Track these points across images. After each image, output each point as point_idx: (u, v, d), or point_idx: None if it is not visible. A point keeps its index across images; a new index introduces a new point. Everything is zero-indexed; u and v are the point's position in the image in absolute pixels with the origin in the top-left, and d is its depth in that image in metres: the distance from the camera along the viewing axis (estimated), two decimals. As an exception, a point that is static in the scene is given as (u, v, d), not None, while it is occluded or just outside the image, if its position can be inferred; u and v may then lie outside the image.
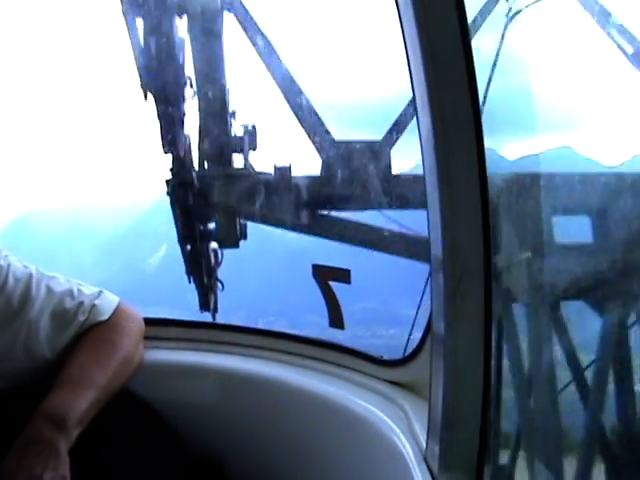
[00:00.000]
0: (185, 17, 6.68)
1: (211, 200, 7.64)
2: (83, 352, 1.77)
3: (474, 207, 1.33)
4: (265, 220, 8.16)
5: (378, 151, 7.46)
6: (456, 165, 1.31)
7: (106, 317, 1.83)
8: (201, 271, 8.39)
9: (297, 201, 7.63)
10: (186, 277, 8.69)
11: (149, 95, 6.09)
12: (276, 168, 7.59)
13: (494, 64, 6.54)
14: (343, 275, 2.03)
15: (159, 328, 1.98)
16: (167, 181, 7.22)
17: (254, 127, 7.63)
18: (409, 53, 1.43)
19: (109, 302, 1.86)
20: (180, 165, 7.06)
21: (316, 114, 7.59)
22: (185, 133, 6.97)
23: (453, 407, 1.40)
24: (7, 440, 1.53)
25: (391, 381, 1.88)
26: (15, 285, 1.76)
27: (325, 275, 2.01)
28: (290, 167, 7.64)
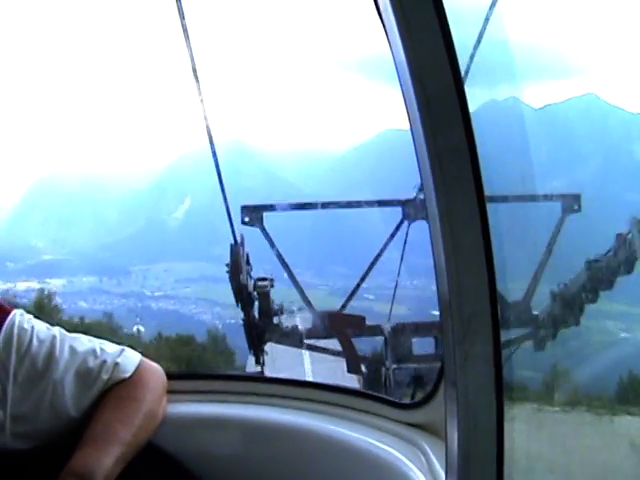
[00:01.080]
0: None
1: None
2: (107, 410, 1.80)
3: (478, 251, 1.35)
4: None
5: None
6: (458, 213, 1.33)
7: (129, 374, 1.86)
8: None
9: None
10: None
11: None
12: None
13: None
14: (358, 323, 2.00)
15: (181, 382, 2.00)
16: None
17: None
18: (405, 99, 1.44)
19: (131, 359, 1.89)
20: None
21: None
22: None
23: (468, 448, 1.42)
24: None
25: (411, 423, 1.89)
26: (39, 347, 1.79)
27: (341, 322, 1.99)
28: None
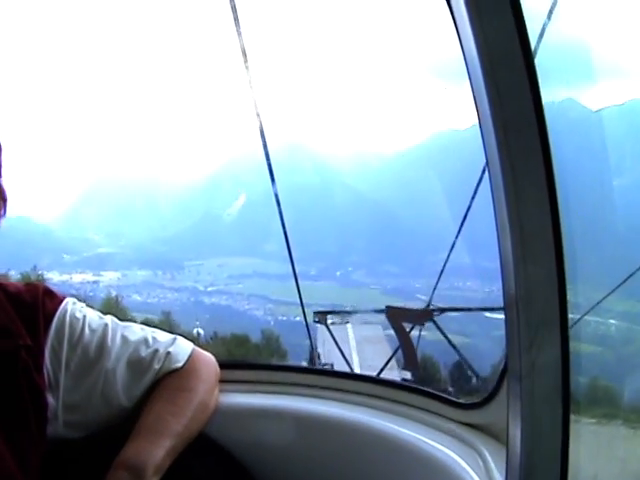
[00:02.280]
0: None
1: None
2: (159, 401, 1.79)
3: (548, 256, 1.29)
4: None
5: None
6: (528, 217, 1.27)
7: (181, 364, 1.85)
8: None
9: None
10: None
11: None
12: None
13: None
14: (418, 317, 1.93)
15: (234, 371, 1.97)
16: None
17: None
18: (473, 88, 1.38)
19: (183, 349, 1.88)
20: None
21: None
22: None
23: (532, 461, 1.36)
24: None
25: (469, 424, 1.82)
26: (91, 336, 1.80)
27: (399, 316, 1.93)
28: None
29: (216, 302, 63.59)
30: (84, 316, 1.84)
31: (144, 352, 1.86)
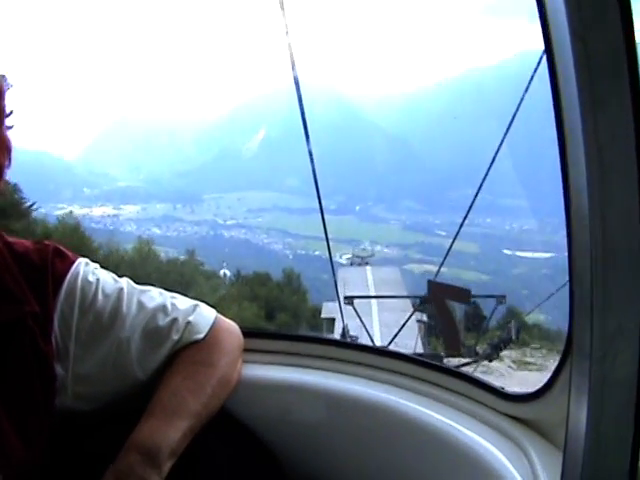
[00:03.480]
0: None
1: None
2: (177, 376, 1.64)
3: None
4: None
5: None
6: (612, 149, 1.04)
7: (202, 335, 1.67)
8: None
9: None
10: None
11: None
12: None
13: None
14: (463, 295, 1.76)
15: (258, 340, 1.80)
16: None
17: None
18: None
19: (205, 318, 1.70)
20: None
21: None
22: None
23: (597, 462, 1.20)
24: (97, 470, 1.44)
25: (515, 417, 1.65)
26: (105, 301, 1.62)
27: (442, 293, 1.76)
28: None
29: (235, 236, 63.97)
30: (97, 279, 1.66)
31: (162, 321, 1.68)
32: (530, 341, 23.42)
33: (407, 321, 10.13)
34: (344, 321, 10.47)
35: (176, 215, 66.99)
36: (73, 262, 1.59)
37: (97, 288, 1.60)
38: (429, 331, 17.82)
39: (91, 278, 1.60)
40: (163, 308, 1.63)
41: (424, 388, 1.68)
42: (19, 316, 1.50)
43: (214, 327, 1.65)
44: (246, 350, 1.71)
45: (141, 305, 1.62)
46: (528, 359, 21.14)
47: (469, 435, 1.56)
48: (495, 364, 18.62)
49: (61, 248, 1.62)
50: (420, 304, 10.85)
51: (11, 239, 1.54)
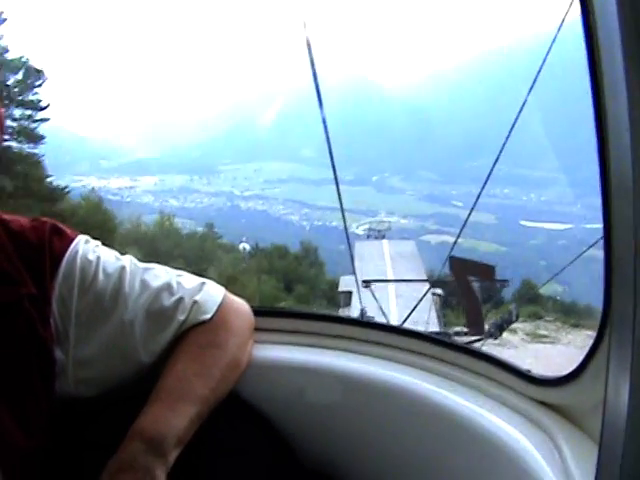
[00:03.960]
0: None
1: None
2: (183, 359, 1.55)
3: None
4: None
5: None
6: None
7: (209, 315, 1.58)
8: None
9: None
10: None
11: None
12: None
13: None
14: (486, 272, 1.65)
15: (269, 319, 1.71)
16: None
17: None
18: None
19: (213, 297, 1.60)
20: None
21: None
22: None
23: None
24: (100, 459, 1.37)
25: (542, 402, 1.55)
26: (106, 281, 1.53)
27: (465, 270, 1.65)
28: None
29: (252, 207, 64.09)
30: (98, 257, 1.57)
31: (167, 301, 1.60)
32: (544, 314, 23.46)
33: (420, 301, 10.18)
34: (362, 303, 10.50)
35: (193, 187, 67.25)
36: (72, 240, 1.50)
37: (98, 267, 1.51)
38: (444, 304, 17.90)
39: (91, 257, 1.51)
40: (168, 287, 1.54)
41: (445, 369, 1.59)
42: (15, 299, 1.42)
43: (222, 306, 1.56)
44: (257, 330, 1.62)
45: (145, 284, 1.53)
46: (542, 331, 21.28)
47: (493, 421, 1.46)
48: (508, 336, 18.73)
49: (59, 225, 1.53)
50: (435, 284, 10.89)
51: (7, 216, 1.45)
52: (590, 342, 1.31)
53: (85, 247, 1.54)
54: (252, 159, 72.68)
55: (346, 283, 20.49)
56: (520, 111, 7.51)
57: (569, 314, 25.42)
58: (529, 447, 1.37)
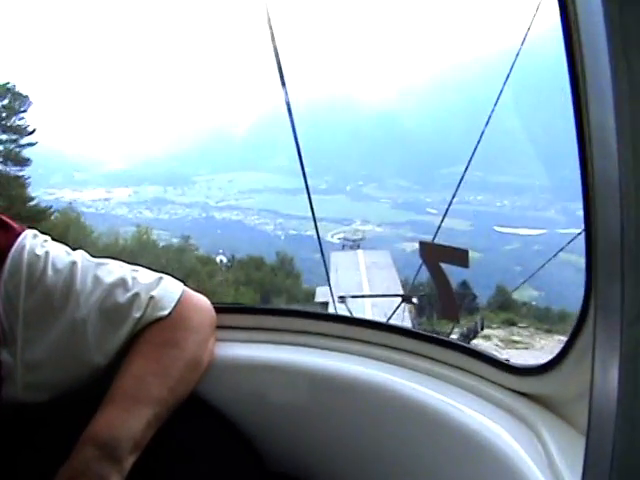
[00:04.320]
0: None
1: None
2: (139, 359, 1.45)
3: None
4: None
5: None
6: None
7: (167, 312, 1.48)
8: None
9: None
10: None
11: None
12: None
13: None
14: (459, 256, 1.56)
15: (232, 316, 1.61)
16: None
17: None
18: None
19: (171, 292, 1.50)
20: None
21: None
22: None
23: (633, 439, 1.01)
24: (50, 468, 1.27)
25: (523, 393, 1.46)
26: (56, 277, 1.43)
27: (436, 255, 1.56)
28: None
29: (227, 217, 64.12)
30: (47, 252, 1.46)
31: (121, 297, 1.49)
32: (518, 320, 24.09)
33: (393, 314, 10.49)
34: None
35: (167, 197, 67.24)
36: (18, 234, 1.40)
37: (46, 263, 1.40)
38: (419, 312, 18.17)
39: (39, 252, 1.40)
40: (123, 282, 1.43)
41: (419, 363, 1.50)
42: None
43: (181, 302, 1.45)
44: (218, 327, 1.53)
45: (97, 280, 1.43)
46: (515, 337, 21.81)
47: (472, 415, 1.37)
48: (483, 343, 19.31)
49: (4, 219, 1.43)
50: (406, 299, 11.12)
51: None
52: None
53: (33, 242, 1.44)
54: (226, 170, 72.85)
55: (323, 293, 20.94)
56: (489, 119, 7.56)
57: (543, 320, 25.98)
58: (512, 442, 1.29)
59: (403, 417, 1.44)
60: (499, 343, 21.25)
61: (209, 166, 74.89)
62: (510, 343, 21.50)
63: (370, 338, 1.55)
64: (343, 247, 34.60)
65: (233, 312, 1.65)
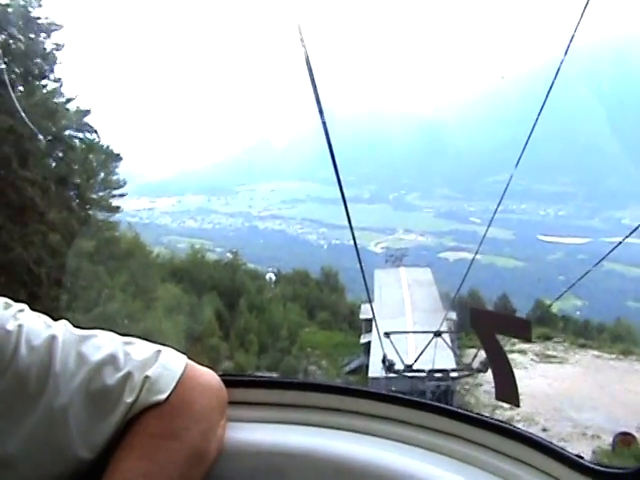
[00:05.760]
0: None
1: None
2: (130, 455, 1.23)
3: None
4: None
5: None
6: None
7: (165, 395, 1.24)
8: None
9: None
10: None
11: None
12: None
13: None
14: (520, 327, 1.31)
15: (247, 391, 1.37)
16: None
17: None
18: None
19: (170, 370, 1.26)
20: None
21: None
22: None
23: None
24: None
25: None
26: (31, 357, 1.21)
27: (491, 325, 1.31)
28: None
29: (269, 227, 64.63)
30: (19, 326, 1.22)
31: (110, 378, 1.24)
32: (554, 334, 24.42)
33: (426, 347, 10.75)
34: (383, 349, 11.49)
35: (211, 207, 68.04)
36: None
37: (19, 339, 1.17)
38: (459, 327, 18.22)
39: (10, 326, 1.17)
40: (112, 360, 1.19)
41: (472, 453, 1.23)
42: None
43: (182, 382, 1.21)
44: (231, 403, 1.30)
45: (82, 358, 1.19)
46: (550, 352, 21.97)
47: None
48: (518, 357, 19.48)
49: None
50: (438, 333, 11.40)
51: None
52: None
53: (3, 314, 1.22)
54: (268, 179, 73.44)
55: (367, 310, 21.54)
56: (533, 127, 7.44)
57: (579, 334, 26.32)
58: None
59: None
60: (534, 357, 21.45)
61: (252, 176, 75.66)
62: (545, 357, 21.71)
63: (410, 419, 1.31)
64: (386, 261, 35.26)
65: (248, 386, 1.42)
